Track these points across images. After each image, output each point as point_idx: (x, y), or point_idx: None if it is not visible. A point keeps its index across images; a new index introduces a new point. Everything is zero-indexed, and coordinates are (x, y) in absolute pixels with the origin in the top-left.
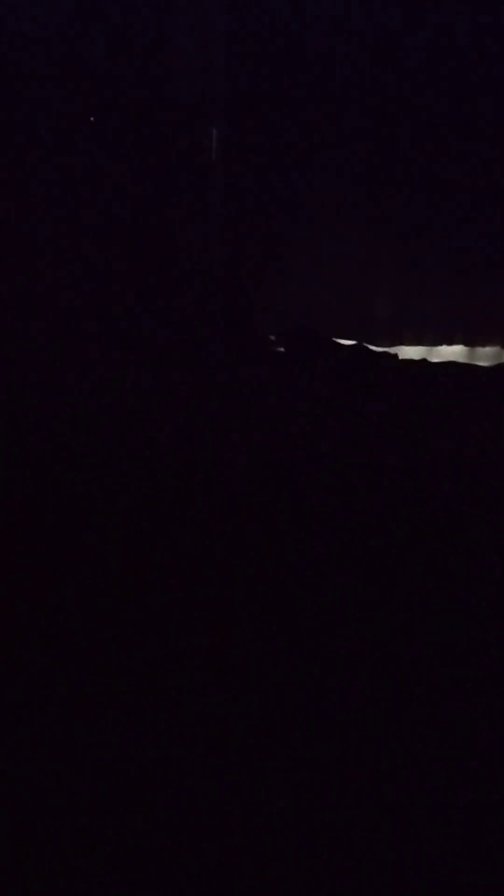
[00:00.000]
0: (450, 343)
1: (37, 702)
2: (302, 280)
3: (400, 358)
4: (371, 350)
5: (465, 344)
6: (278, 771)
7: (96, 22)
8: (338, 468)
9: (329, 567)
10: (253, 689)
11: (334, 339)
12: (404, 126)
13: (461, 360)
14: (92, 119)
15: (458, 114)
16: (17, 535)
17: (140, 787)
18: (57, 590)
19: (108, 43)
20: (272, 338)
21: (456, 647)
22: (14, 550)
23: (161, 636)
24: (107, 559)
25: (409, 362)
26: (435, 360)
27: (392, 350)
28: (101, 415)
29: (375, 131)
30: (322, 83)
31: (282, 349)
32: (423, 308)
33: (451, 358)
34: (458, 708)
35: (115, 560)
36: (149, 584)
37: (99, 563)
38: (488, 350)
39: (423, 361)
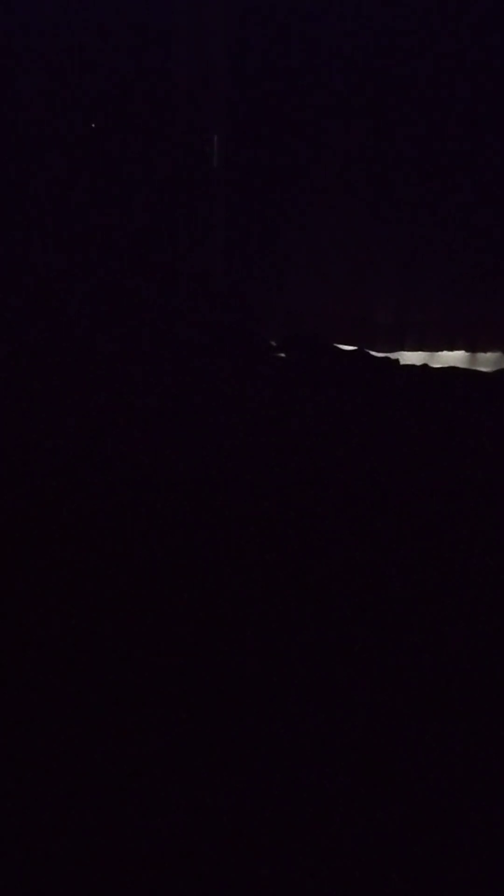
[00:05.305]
0: (451, 348)
1: (37, 711)
2: (303, 286)
3: (401, 363)
4: (372, 355)
5: (467, 349)
6: (278, 782)
7: (99, 27)
8: (339, 473)
9: (332, 574)
10: (254, 702)
11: (335, 345)
12: (405, 130)
13: (462, 365)
14: (93, 125)
15: (459, 118)
16: (18, 543)
17: (140, 792)
18: (57, 603)
19: (111, 48)
20: (273, 343)
21: (456, 650)
22: (15, 560)
23: (163, 647)
24: (109, 568)
25: (411, 368)
26: (436, 365)
27: (393, 355)
28: (102, 423)
29: (377, 136)
30: (323, 90)
31: (283, 355)
32: (424, 313)
33: (453, 363)
34: (460, 718)
35: (117, 568)
36: (151, 593)
37: (101, 573)
38: (489, 355)
39: (425, 367)
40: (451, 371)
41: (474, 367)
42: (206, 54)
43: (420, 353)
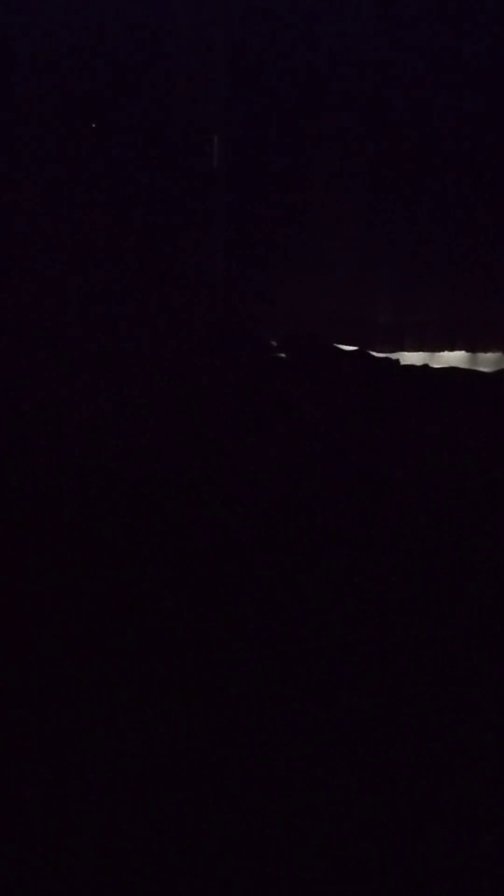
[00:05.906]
0: (451, 349)
1: (37, 711)
2: (303, 286)
3: (401, 363)
4: (372, 356)
5: (467, 349)
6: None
7: (99, 26)
8: (339, 473)
9: (332, 573)
10: (255, 701)
11: (336, 345)
12: (406, 130)
13: (463, 365)
14: (93, 125)
15: (460, 118)
16: (18, 544)
17: (140, 792)
18: (58, 602)
19: (111, 48)
20: (274, 344)
21: (456, 650)
22: (15, 560)
23: (163, 647)
24: (109, 568)
25: (411, 368)
26: (436, 365)
27: (393, 356)
28: (102, 423)
29: (377, 136)
30: (323, 90)
31: (283, 355)
32: (424, 313)
33: (453, 363)
34: (460, 718)
35: (117, 568)
36: (151, 593)
37: (101, 572)
38: (490, 356)
39: (425, 367)
40: (451, 371)
41: (474, 367)
42: (206, 54)
43: (420, 353)
